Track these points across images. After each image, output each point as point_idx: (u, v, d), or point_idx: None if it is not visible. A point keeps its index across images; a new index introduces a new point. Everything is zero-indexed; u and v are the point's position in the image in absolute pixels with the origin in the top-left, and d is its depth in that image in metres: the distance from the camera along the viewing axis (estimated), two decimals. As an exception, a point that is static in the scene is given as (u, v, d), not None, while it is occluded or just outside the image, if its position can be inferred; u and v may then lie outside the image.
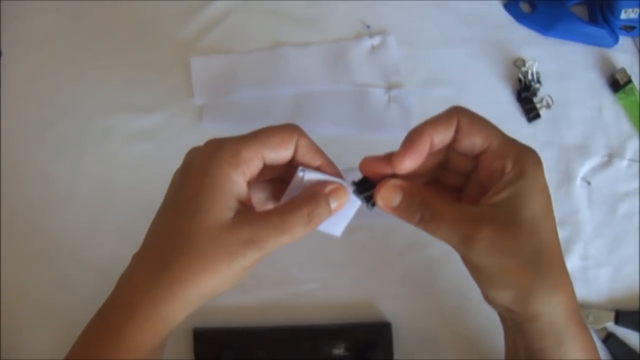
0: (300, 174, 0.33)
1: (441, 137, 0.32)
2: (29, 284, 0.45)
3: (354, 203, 0.34)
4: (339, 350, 0.43)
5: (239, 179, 0.31)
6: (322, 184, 0.33)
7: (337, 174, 0.34)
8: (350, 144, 0.47)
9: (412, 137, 0.32)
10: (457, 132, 0.32)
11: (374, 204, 0.33)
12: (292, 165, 0.33)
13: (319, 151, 0.34)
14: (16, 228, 0.45)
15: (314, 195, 0.32)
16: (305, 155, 0.33)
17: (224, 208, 0.30)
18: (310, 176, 0.33)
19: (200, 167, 0.31)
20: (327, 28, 0.50)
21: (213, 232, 0.30)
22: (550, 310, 0.32)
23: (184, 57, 0.48)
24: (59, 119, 0.48)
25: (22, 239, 0.45)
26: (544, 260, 0.31)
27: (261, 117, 0.47)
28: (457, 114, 0.32)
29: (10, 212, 0.46)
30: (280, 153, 0.32)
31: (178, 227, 0.31)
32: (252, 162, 0.31)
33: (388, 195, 0.33)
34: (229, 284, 0.31)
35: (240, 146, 0.31)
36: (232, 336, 0.43)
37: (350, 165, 0.47)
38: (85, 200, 0.46)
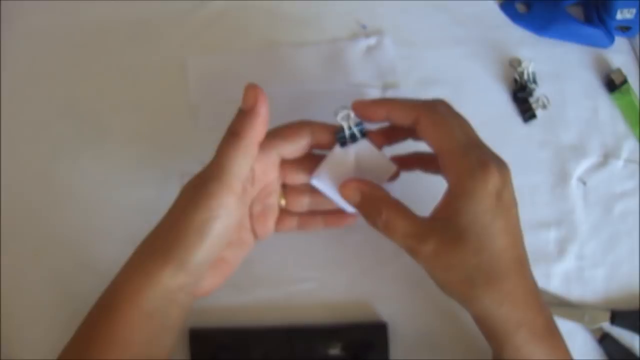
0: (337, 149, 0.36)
1: (398, 119, 0.35)
2: (28, 283, 0.45)
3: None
4: (335, 351, 0.43)
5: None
6: None
7: None
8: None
9: (376, 102, 0.36)
10: (416, 124, 0.34)
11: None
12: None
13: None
14: (15, 228, 0.46)
15: None
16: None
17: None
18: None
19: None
20: (323, 28, 0.50)
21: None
22: (490, 322, 0.34)
23: (180, 56, 0.49)
24: (58, 119, 0.48)
25: (21, 239, 0.46)
26: (484, 277, 0.32)
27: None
28: (421, 111, 0.34)
29: (9, 212, 0.46)
30: (295, 144, 0.36)
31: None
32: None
33: (349, 193, 0.36)
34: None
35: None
36: (228, 336, 0.43)
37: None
38: (84, 200, 0.46)
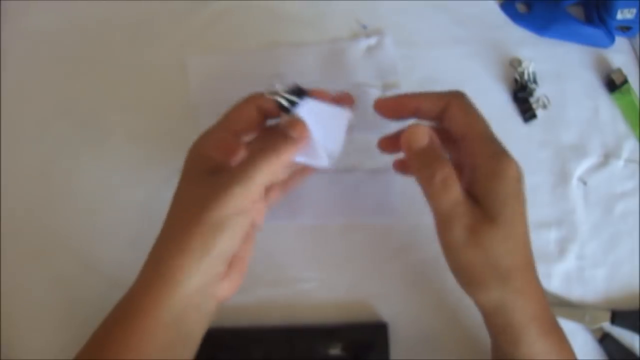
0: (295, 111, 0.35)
1: (428, 108, 0.35)
2: (29, 284, 0.45)
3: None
4: (335, 351, 0.43)
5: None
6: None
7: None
8: (348, 144, 0.47)
9: (402, 97, 0.35)
10: (444, 112, 0.34)
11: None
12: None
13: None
14: (16, 228, 0.46)
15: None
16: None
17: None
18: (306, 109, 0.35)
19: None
20: (323, 28, 0.50)
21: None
22: (504, 314, 0.33)
23: (181, 56, 0.49)
24: (58, 119, 0.48)
25: (22, 239, 0.46)
26: (507, 265, 0.32)
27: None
28: (451, 98, 0.34)
29: (10, 212, 0.46)
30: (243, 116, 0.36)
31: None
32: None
33: (416, 136, 0.33)
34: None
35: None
36: (229, 336, 0.43)
37: (350, 165, 0.47)
38: (83, 200, 0.46)
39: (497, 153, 0.33)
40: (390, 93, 0.48)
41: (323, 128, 0.35)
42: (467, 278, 0.33)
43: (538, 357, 0.33)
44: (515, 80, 0.49)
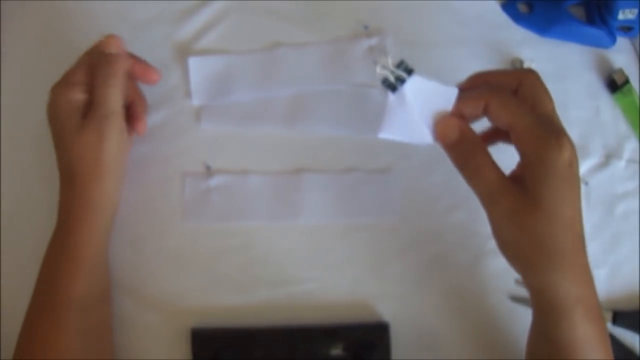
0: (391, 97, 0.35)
1: (470, 111, 0.35)
2: (28, 283, 0.45)
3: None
4: (336, 351, 0.43)
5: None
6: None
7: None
8: (348, 144, 0.48)
9: (446, 121, 0.36)
10: (486, 110, 0.35)
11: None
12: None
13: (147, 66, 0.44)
14: (15, 228, 0.45)
15: None
16: (138, 70, 0.43)
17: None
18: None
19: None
20: (325, 28, 0.50)
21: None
22: (549, 295, 0.34)
23: (181, 57, 0.48)
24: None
25: (22, 239, 0.45)
26: (553, 247, 0.33)
27: (259, 117, 0.48)
28: (489, 96, 0.35)
29: (10, 212, 0.46)
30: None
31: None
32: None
33: (447, 130, 0.36)
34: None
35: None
36: (230, 336, 0.43)
37: (350, 165, 0.47)
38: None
39: (542, 138, 0.33)
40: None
41: (428, 105, 0.36)
42: (511, 257, 0.35)
43: (578, 341, 0.34)
44: (517, 81, 0.49)
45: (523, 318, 0.45)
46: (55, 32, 0.50)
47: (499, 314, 0.45)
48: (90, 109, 0.40)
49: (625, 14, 0.49)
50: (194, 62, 0.48)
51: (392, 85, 0.35)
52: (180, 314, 0.44)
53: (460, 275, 0.46)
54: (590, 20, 0.51)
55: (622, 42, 0.50)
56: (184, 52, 0.49)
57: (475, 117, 0.36)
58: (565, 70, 0.50)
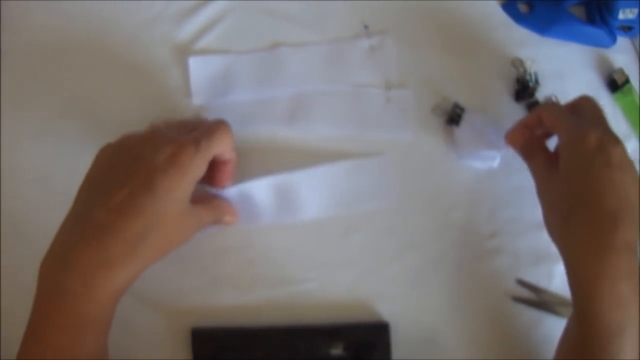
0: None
1: (529, 121, 0.43)
2: (28, 284, 0.45)
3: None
4: (337, 351, 0.43)
5: (201, 175, 0.38)
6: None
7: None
8: (349, 144, 0.48)
9: (513, 130, 0.45)
10: (540, 119, 0.42)
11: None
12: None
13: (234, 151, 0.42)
14: (16, 228, 0.46)
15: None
16: (227, 154, 0.41)
17: (188, 198, 0.38)
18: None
19: (179, 162, 0.36)
20: (325, 28, 0.50)
21: (179, 216, 0.37)
22: (562, 248, 0.38)
23: (181, 57, 0.48)
24: (58, 119, 0.48)
25: (21, 239, 0.45)
26: (576, 212, 0.37)
27: (259, 117, 0.48)
28: (540, 109, 0.42)
29: (10, 212, 0.46)
30: (223, 152, 0.40)
31: (152, 212, 0.35)
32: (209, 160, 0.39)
33: (514, 138, 0.44)
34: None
35: (210, 148, 0.38)
36: (230, 336, 0.43)
37: (337, 156, 0.47)
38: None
39: (569, 129, 0.39)
40: (392, 93, 0.48)
41: (485, 134, 0.46)
42: (549, 217, 0.40)
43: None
44: (517, 81, 0.49)
45: (523, 318, 0.45)
46: (55, 32, 0.50)
47: (499, 313, 0.45)
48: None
49: (625, 14, 0.49)
50: (194, 62, 0.48)
51: (454, 120, 0.47)
52: (180, 314, 0.44)
53: (461, 274, 0.46)
54: (591, 20, 0.51)
55: (622, 41, 0.50)
56: (184, 52, 0.49)
57: (540, 132, 0.44)
58: (566, 70, 0.50)
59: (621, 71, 0.49)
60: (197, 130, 0.40)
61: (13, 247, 0.45)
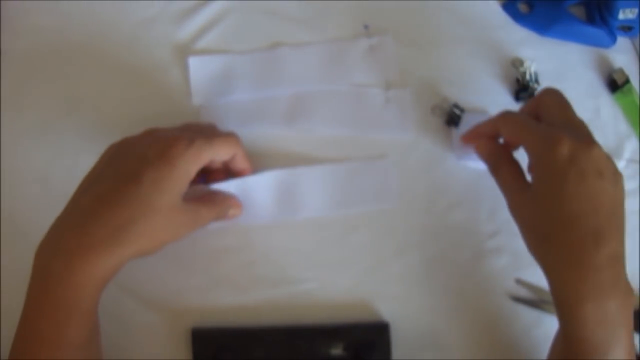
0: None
1: (485, 131, 0.42)
2: (29, 283, 0.45)
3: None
4: (337, 351, 0.43)
5: (193, 173, 0.38)
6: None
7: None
8: (348, 144, 0.48)
9: (470, 132, 0.44)
10: (498, 131, 0.41)
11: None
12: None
13: (248, 161, 0.43)
14: (16, 228, 0.46)
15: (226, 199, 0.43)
16: (238, 164, 0.42)
17: (180, 194, 0.37)
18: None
19: (168, 155, 0.37)
20: (325, 28, 0.50)
21: (169, 211, 0.36)
22: (542, 266, 0.37)
23: (181, 57, 0.49)
24: (58, 119, 0.48)
25: (21, 239, 0.45)
26: (550, 235, 0.36)
27: (259, 117, 0.48)
28: (496, 120, 0.41)
29: (10, 212, 0.46)
30: (222, 158, 0.41)
31: (138, 202, 0.35)
32: (204, 162, 0.39)
33: (480, 148, 0.43)
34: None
35: (204, 149, 0.38)
36: (231, 336, 0.43)
37: (342, 156, 0.47)
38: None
39: (537, 141, 0.37)
40: (392, 92, 0.48)
41: None
42: (528, 242, 0.38)
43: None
44: (517, 80, 0.49)
45: (523, 318, 0.45)
46: (55, 32, 0.50)
47: (499, 313, 0.45)
48: None
49: (625, 14, 0.49)
50: (194, 62, 0.48)
51: (452, 122, 0.47)
52: (180, 314, 0.44)
53: (461, 274, 0.46)
54: (591, 20, 0.51)
55: (622, 41, 0.50)
56: (184, 52, 0.49)
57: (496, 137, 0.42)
58: (566, 70, 0.50)
59: (621, 71, 0.49)
60: (200, 132, 0.40)
61: (13, 247, 0.45)
